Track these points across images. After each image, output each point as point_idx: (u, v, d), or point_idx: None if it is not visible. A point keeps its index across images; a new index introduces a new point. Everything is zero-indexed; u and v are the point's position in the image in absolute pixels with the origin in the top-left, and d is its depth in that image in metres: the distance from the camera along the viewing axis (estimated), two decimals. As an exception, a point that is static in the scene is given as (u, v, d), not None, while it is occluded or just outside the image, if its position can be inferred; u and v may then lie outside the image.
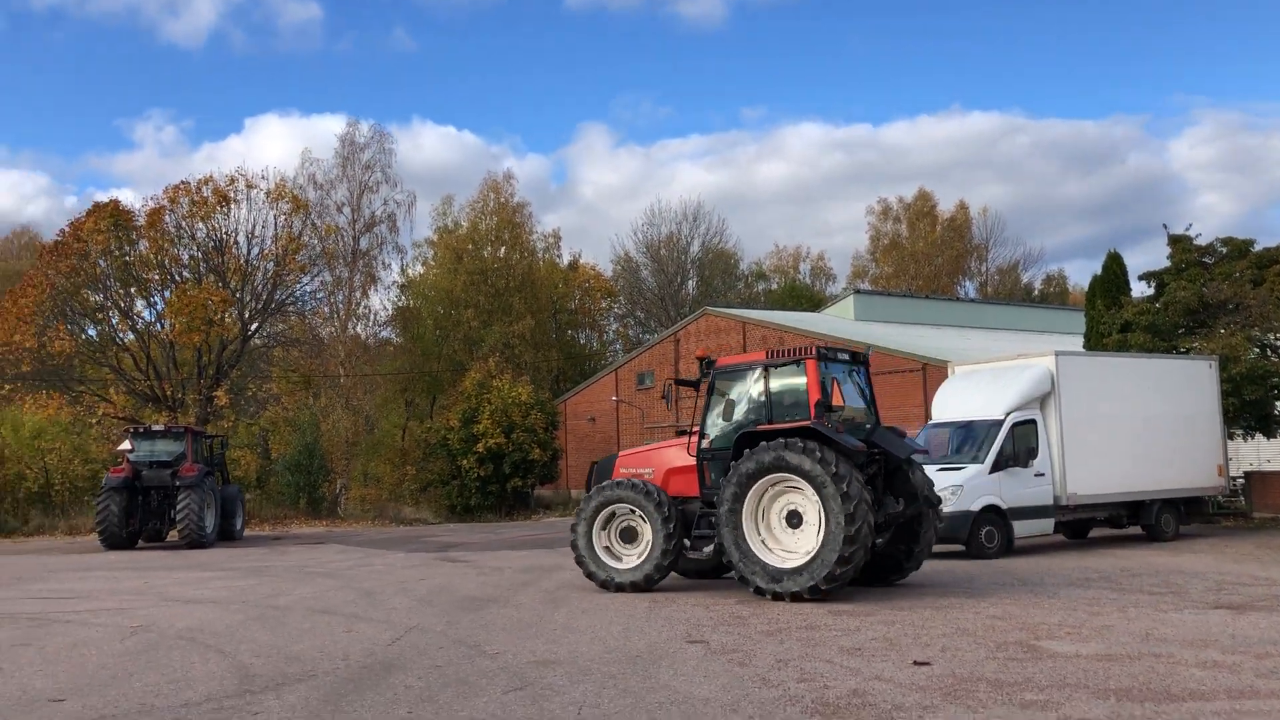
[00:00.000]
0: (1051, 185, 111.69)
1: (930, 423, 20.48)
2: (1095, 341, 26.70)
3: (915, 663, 8.93)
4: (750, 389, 14.01)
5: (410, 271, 55.96)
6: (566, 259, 67.98)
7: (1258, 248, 27.11)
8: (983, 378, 20.27)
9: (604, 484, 14.43)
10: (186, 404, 39.37)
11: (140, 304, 41.63)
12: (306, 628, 11.62)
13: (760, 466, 12.87)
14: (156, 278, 40.97)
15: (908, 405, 39.11)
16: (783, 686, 8.13)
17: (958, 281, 76.30)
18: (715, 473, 13.82)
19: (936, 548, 18.86)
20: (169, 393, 39.65)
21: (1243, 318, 24.66)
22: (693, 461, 14.11)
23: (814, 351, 13.56)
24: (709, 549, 13.70)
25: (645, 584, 13.89)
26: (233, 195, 39.89)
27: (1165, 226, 27.79)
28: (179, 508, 26.02)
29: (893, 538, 13.95)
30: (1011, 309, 59.58)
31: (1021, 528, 18.65)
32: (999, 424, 18.80)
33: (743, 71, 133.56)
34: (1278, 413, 25.02)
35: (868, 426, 14.04)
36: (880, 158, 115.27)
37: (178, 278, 40.46)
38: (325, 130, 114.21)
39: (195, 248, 40.91)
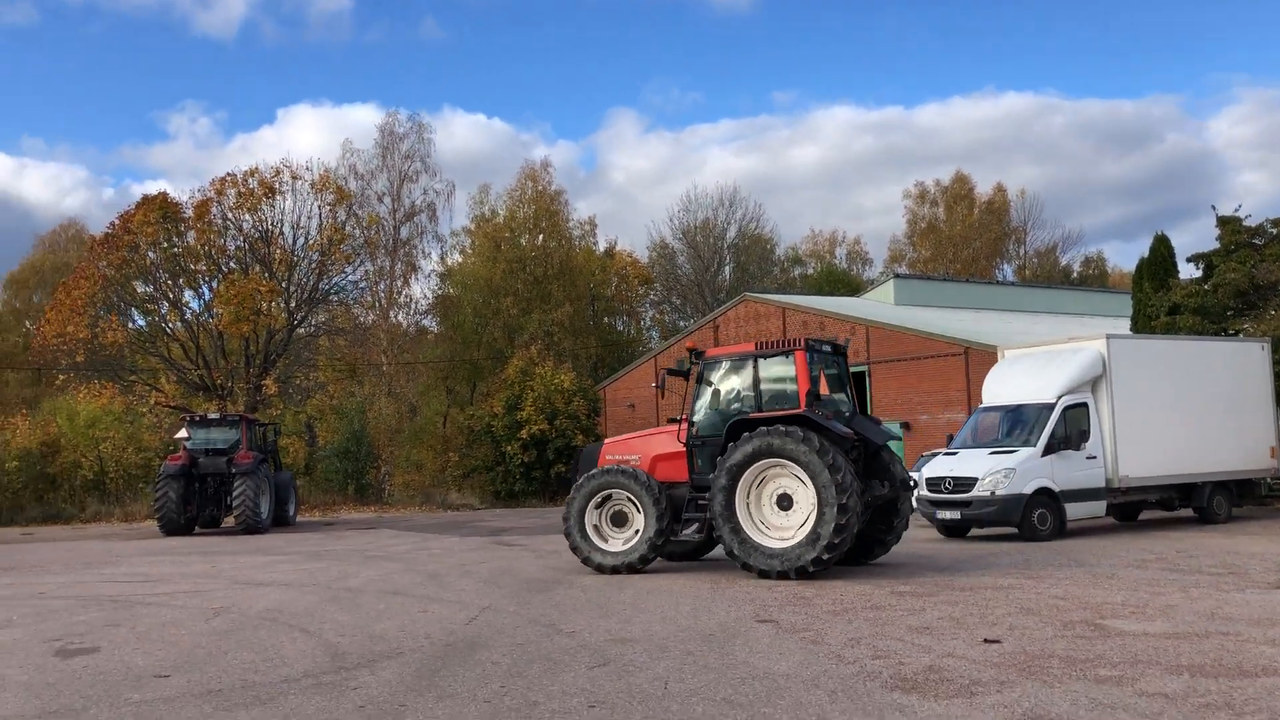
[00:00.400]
0: (1087, 166, 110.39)
1: (980, 407, 20.57)
2: (1143, 324, 26.61)
3: (985, 640, 9.12)
4: (739, 379, 14.67)
5: (449, 260, 56.50)
6: (602, 246, 68.26)
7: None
8: (1033, 361, 20.32)
9: (600, 470, 14.97)
10: (235, 392, 40.06)
11: (189, 294, 42.44)
12: (382, 609, 11.97)
13: (756, 452, 13.46)
14: (204, 269, 41.70)
15: (950, 389, 39.10)
16: (858, 663, 8.34)
17: (996, 265, 75.82)
18: (703, 459, 14.46)
19: (990, 531, 19.15)
20: (218, 381, 40.37)
21: (1294, 299, 24.52)
22: (678, 448, 14.72)
23: (802, 343, 14.18)
24: (692, 530, 14.45)
25: (639, 565, 14.56)
26: (278, 186, 40.46)
27: (1214, 208, 27.65)
28: (235, 494, 26.59)
29: (871, 519, 14.46)
30: (1051, 292, 59.19)
31: (1074, 510, 18.73)
32: (1051, 407, 18.87)
33: (773, 55, 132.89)
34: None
35: (847, 414, 14.62)
36: (913, 140, 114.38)
37: (224, 269, 41.13)
38: (357, 120, 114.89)
39: (241, 239, 41.56)
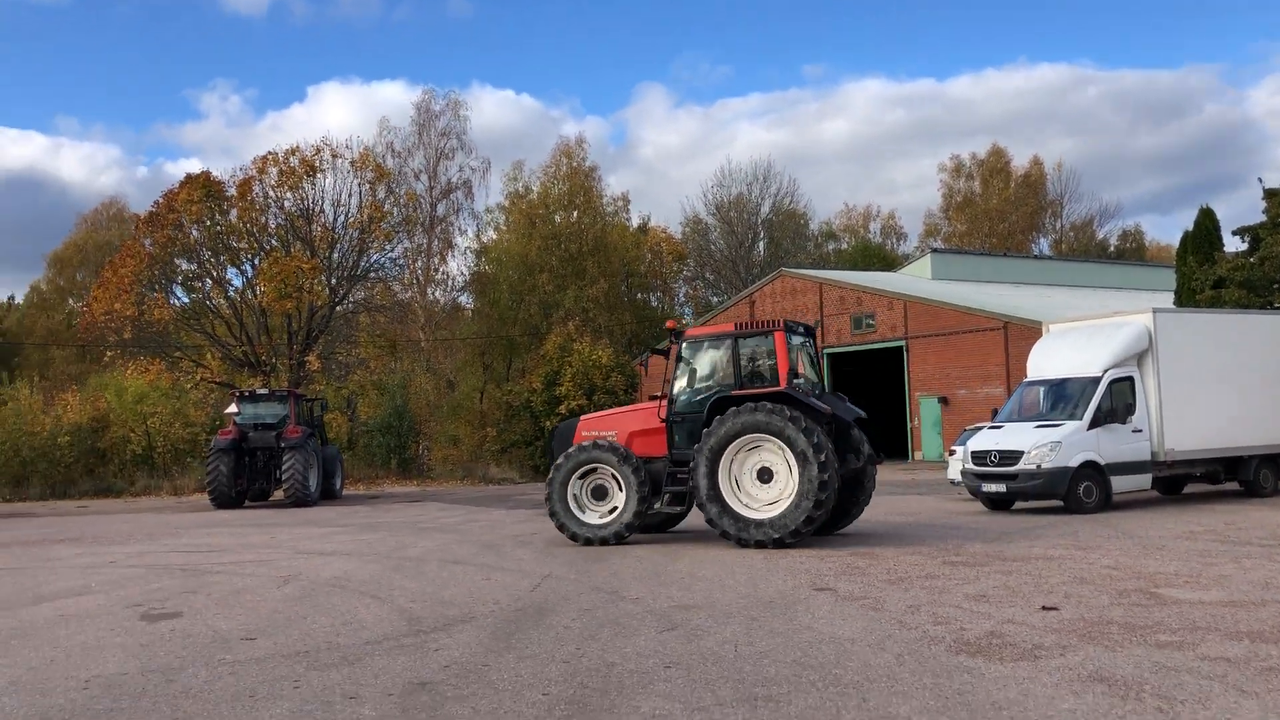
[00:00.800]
0: (1123, 138, 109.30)
1: (1025, 381, 20.63)
2: (1187, 298, 26.49)
3: (1043, 608, 9.31)
4: (719, 358, 15.23)
5: (484, 237, 56.84)
6: (635, 222, 68.36)
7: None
8: (1079, 335, 20.35)
9: (585, 444, 15.39)
10: (278, 368, 40.67)
11: (231, 272, 43.05)
12: (446, 577, 12.32)
13: (742, 427, 13.99)
14: (245, 246, 42.25)
15: (989, 364, 39.09)
16: (920, 629, 8.56)
17: (1032, 239, 75.33)
18: (682, 435, 14.97)
19: (1035, 503, 19.27)
20: (262, 357, 40.98)
21: (1343, 272, 24.33)
22: (654, 424, 15.25)
23: (781, 324, 14.77)
24: (667, 501, 15.04)
25: (618, 539, 15.02)
26: (319, 165, 40.87)
27: (1260, 180, 27.47)
28: (285, 468, 27.11)
29: (840, 491, 14.87)
30: (1089, 266, 58.84)
31: (1119, 483, 18.80)
32: (1096, 381, 18.91)
33: (802, 27, 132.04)
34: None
35: (817, 393, 15.18)
36: (945, 113, 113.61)
37: (266, 246, 41.66)
38: (387, 97, 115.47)
39: (283, 216, 42.04)
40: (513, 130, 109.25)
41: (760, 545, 13.82)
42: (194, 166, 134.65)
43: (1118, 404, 18.95)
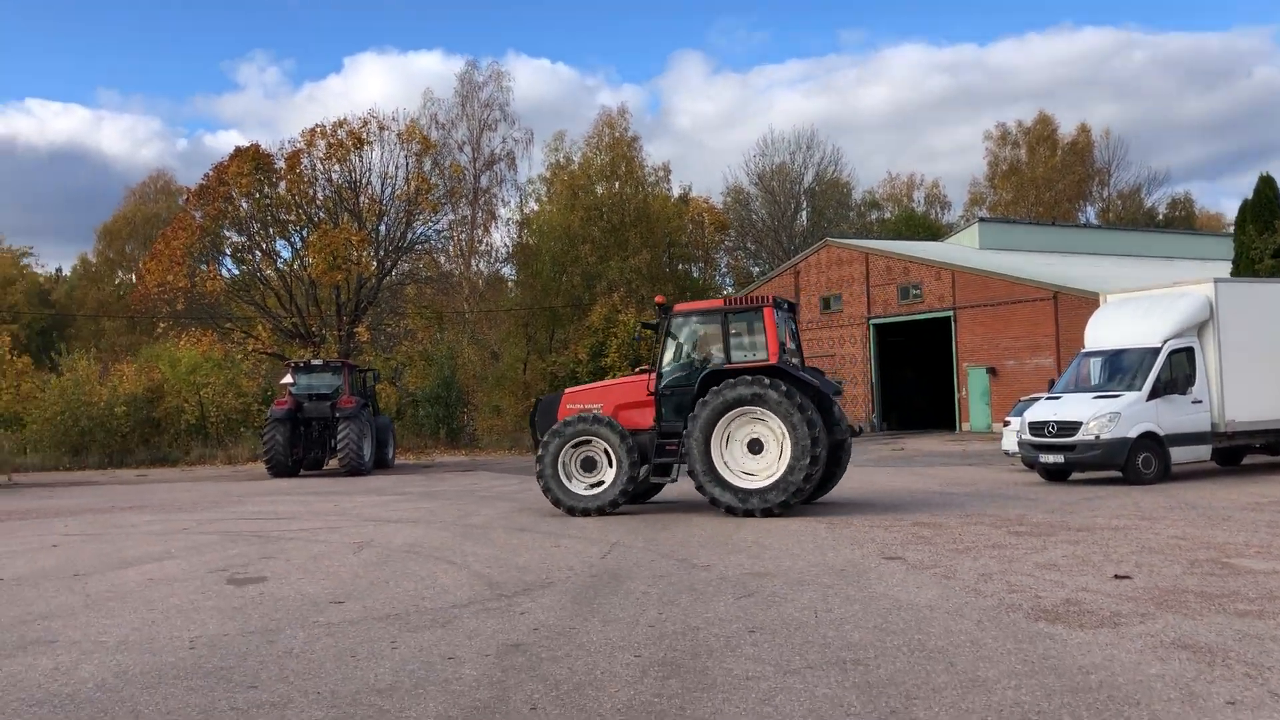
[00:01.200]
0: (1170, 103, 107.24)
1: (1083, 351, 20.51)
2: (1246, 267, 26.15)
3: (1116, 576, 9.36)
4: (708, 332, 15.58)
5: (526, 208, 56.99)
6: (676, 192, 68.17)
7: None
8: (1137, 306, 20.18)
9: (577, 417, 15.58)
10: (328, 339, 41.18)
11: (280, 244, 43.51)
12: (515, 544, 12.55)
13: (734, 399, 14.37)
14: (294, 219, 42.68)
15: (1038, 335, 38.78)
16: (996, 596, 8.65)
17: (1079, 207, 74.35)
18: (670, 408, 15.27)
19: (1091, 475, 19.23)
20: (312, 329, 41.49)
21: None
22: (640, 397, 15.53)
23: (771, 300, 15.19)
24: (649, 472, 15.48)
25: (609, 508, 15.28)
26: (366, 137, 41.13)
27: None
28: (339, 438, 27.56)
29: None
30: (1139, 234, 58.03)
31: (1178, 454, 18.70)
32: (1156, 352, 18.78)
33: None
34: None
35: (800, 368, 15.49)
36: (987, 79, 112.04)
37: (314, 219, 42.07)
38: (424, 67, 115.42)
39: (331, 189, 42.41)
40: (549, 99, 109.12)
41: (749, 514, 14.22)
42: (234, 138, 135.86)
43: (1177, 375, 18.82)
